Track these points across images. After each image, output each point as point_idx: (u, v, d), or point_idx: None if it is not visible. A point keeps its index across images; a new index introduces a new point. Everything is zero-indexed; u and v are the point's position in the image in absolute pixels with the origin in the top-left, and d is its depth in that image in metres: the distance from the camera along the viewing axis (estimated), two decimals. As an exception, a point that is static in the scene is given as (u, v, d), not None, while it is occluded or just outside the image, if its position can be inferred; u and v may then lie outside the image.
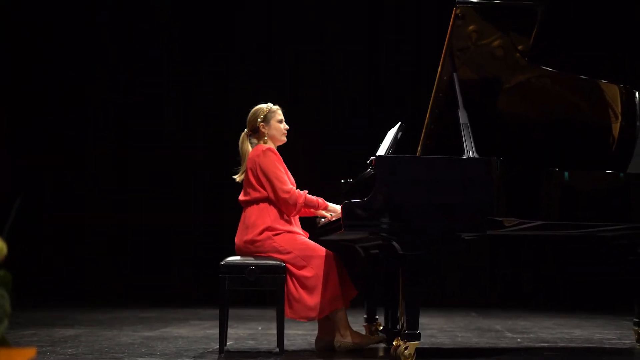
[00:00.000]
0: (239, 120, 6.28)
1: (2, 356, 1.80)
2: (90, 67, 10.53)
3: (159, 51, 10.49)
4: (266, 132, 5.00)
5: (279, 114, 5.05)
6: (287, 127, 5.07)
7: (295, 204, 4.83)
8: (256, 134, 5.04)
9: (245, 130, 5.07)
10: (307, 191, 4.91)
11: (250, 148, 5.02)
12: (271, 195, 4.85)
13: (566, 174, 4.53)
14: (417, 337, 4.30)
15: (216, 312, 5.51)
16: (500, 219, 4.41)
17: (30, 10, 10.35)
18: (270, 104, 5.06)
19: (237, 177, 5.05)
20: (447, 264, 9.61)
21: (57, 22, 10.45)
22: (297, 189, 4.90)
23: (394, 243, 4.33)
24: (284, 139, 5.06)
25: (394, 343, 4.43)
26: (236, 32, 10.45)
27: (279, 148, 5.03)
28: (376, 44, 10.36)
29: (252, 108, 5.07)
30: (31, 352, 1.85)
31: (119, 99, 10.50)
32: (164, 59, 10.49)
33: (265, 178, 4.86)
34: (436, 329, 6.59)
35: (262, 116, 5.00)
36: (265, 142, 4.99)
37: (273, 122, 5.01)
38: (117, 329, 6.29)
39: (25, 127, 10.42)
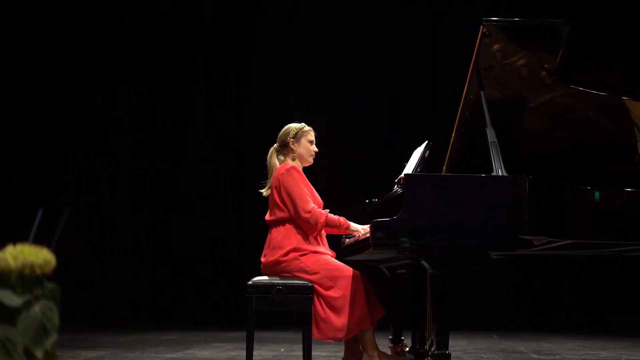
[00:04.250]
0: (260, 136, 6.30)
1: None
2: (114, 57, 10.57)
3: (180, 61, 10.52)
4: (295, 149, 4.98)
5: (311, 135, 5.04)
6: (316, 149, 5.05)
7: (316, 224, 4.79)
8: (285, 149, 5.01)
9: (275, 145, 5.06)
10: (328, 211, 4.88)
11: (277, 163, 4.99)
12: (293, 215, 4.83)
13: (596, 193, 4.49)
14: (447, 357, 4.27)
15: (237, 334, 5.48)
16: (529, 237, 4.38)
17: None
18: (304, 124, 5.05)
19: (264, 192, 5.03)
20: (466, 286, 9.55)
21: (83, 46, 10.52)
22: (324, 209, 4.88)
23: (423, 262, 4.30)
24: (311, 160, 5.04)
25: (423, 363, 4.39)
26: (256, 47, 10.47)
27: (304, 169, 5.02)
28: (397, 62, 10.33)
29: (285, 125, 5.04)
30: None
31: (140, 105, 10.49)
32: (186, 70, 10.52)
33: (288, 197, 4.83)
34: (459, 350, 6.54)
35: (294, 133, 4.99)
36: (293, 160, 4.98)
37: (303, 141, 5.00)
38: (139, 350, 6.26)
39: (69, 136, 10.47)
